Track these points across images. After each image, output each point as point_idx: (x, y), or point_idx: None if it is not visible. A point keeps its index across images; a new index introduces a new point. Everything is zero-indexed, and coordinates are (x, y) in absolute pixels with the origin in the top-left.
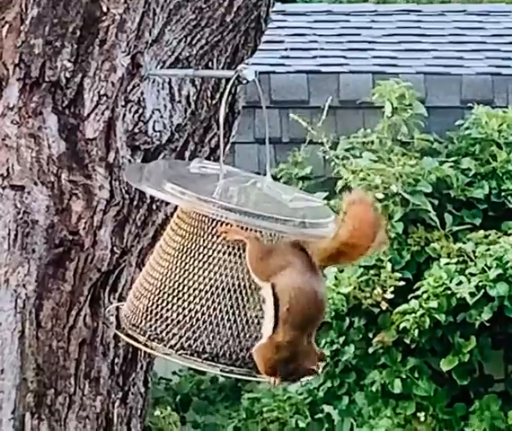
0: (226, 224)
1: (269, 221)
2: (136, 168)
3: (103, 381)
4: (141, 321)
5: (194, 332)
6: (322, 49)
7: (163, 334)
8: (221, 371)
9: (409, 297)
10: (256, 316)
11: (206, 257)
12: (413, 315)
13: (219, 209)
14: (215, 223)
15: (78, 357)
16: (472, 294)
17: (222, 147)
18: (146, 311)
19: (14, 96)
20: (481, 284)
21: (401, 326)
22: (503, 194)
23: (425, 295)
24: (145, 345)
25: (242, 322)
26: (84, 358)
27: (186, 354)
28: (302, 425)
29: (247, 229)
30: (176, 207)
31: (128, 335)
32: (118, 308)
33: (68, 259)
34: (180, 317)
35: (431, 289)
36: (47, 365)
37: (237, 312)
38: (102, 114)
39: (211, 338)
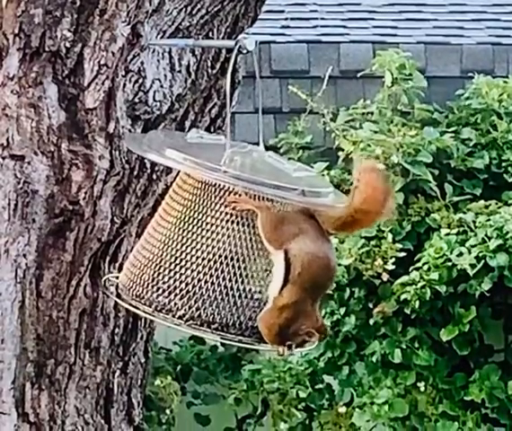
0: (235, 194)
1: (282, 190)
2: (135, 137)
3: (103, 351)
4: (146, 292)
5: (204, 302)
6: (322, 19)
7: (172, 305)
8: (230, 340)
9: (410, 269)
10: (263, 285)
11: (210, 226)
12: (414, 287)
13: (231, 178)
14: (221, 192)
15: (78, 327)
16: (472, 266)
17: (228, 116)
18: (152, 281)
19: (14, 66)
20: (481, 254)
21: (402, 297)
22: (503, 164)
23: (425, 267)
24: (152, 315)
25: (250, 292)
26: (85, 328)
27: (196, 324)
28: (302, 395)
29: (255, 198)
30: (176, 177)
31: (131, 305)
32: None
33: (68, 229)
34: (190, 287)
35: (432, 260)
36: (47, 335)
37: (246, 281)
38: (102, 84)
39: (221, 308)
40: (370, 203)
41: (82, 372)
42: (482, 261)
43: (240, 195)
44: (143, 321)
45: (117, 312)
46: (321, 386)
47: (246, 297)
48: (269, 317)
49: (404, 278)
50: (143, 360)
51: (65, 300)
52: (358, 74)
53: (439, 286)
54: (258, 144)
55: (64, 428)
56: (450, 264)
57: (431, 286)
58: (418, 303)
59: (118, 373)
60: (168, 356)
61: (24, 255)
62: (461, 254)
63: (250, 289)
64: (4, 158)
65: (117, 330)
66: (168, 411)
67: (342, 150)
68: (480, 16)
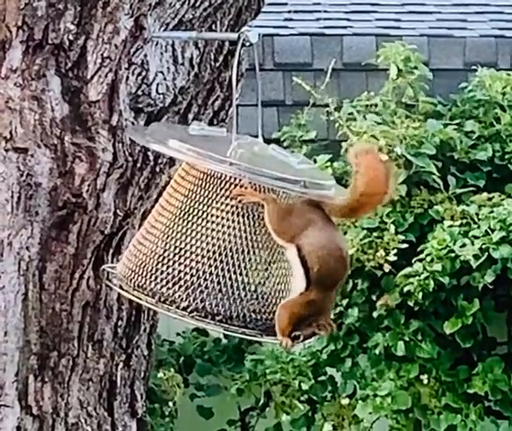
0: (240, 186)
1: (287, 182)
2: (137, 129)
3: (106, 343)
4: (149, 283)
5: (208, 294)
6: (325, 12)
7: (176, 296)
8: (233, 332)
9: (413, 260)
10: (267, 278)
11: (214, 217)
12: (417, 278)
13: (238, 170)
14: (226, 183)
15: (81, 320)
16: (475, 257)
17: (234, 109)
18: (155, 271)
19: (17, 58)
20: (484, 246)
21: (406, 289)
22: (507, 156)
23: (428, 258)
24: (156, 306)
25: (254, 284)
26: (88, 321)
27: (200, 316)
28: (305, 387)
29: (261, 190)
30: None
31: (133, 295)
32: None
33: (71, 222)
34: (194, 278)
35: (435, 252)
36: (50, 328)
37: (250, 273)
38: (106, 76)
39: (225, 300)
40: (373, 185)
41: (85, 364)
42: (486, 253)
43: (246, 187)
44: (146, 313)
45: (120, 305)
46: (323, 378)
47: (250, 290)
48: (292, 306)
49: (407, 270)
50: (146, 352)
51: (68, 292)
52: (363, 63)
53: (443, 278)
54: (257, 137)
55: (67, 421)
56: (453, 255)
57: (434, 278)
58: (421, 294)
59: (121, 365)
60: (171, 348)
61: (27, 248)
62: (464, 245)
63: (253, 281)
64: (7, 151)
65: (120, 323)
66: (171, 404)
67: (346, 141)
68: (483, 9)
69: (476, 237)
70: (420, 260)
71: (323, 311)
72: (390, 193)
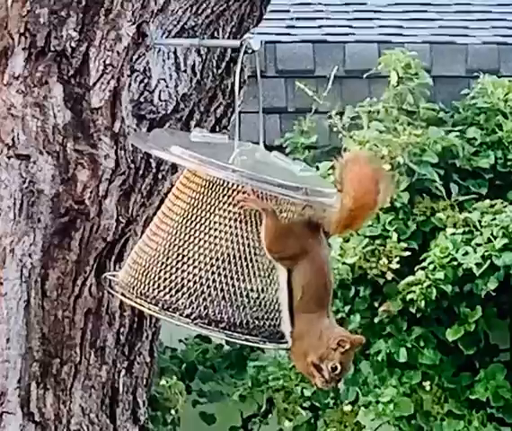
0: (243, 193)
1: (287, 189)
2: (139, 136)
3: (109, 350)
4: (152, 290)
5: (211, 301)
6: (327, 19)
7: (179, 303)
8: (236, 339)
9: (415, 269)
10: (270, 285)
11: (216, 224)
12: (420, 286)
13: (240, 176)
14: (228, 190)
15: (84, 327)
16: (478, 265)
17: (236, 116)
18: (158, 279)
19: (20, 65)
20: (486, 253)
21: (408, 297)
22: (509, 163)
23: (431, 266)
24: (159, 314)
25: (257, 291)
26: (90, 328)
27: (204, 323)
28: (307, 393)
29: (263, 199)
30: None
31: (136, 303)
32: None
33: (74, 229)
34: (197, 286)
35: (437, 260)
36: (52, 335)
37: (253, 280)
38: (108, 83)
39: (228, 308)
40: (361, 198)
41: (87, 371)
42: (488, 261)
43: (248, 194)
44: (148, 320)
45: (122, 312)
46: None
47: (253, 297)
48: (296, 355)
49: (410, 278)
50: (148, 360)
51: (70, 299)
52: (364, 75)
53: (445, 286)
54: (258, 143)
55: (69, 428)
56: (456, 263)
57: (437, 286)
58: (424, 302)
59: (123, 372)
60: (173, 355)
61: (30, 254)
62: (466, 253)
63: (256, 288)
64: (9, 157)
65: (122, 330)
66: (173, 411)
67: (348, 148)
68: (485, 16)
69: (479, 244)
70: (423, 269)
71: (327, 330)
72: (381, 200)
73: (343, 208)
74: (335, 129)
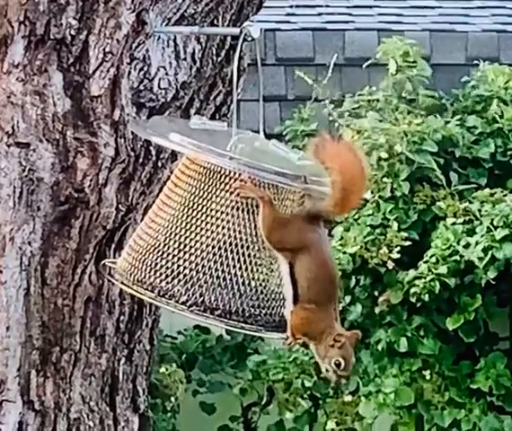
0: (240, 181)
1: (285, 177)
2: (138, 123)
3: (109, 338)
4: (149, 277)
5: (207, 289)
6: (327, 6)
7: (175, 290)
8: (232, 327)
9: (416, 258)
10: (267, 273)
11: (214, 212)
12: (423, 280)
13: (237, 164)
14: (226, 178)
15: (83, 315)
16: (480, 259)
17: (235, 104)
18: (155, 266)
19: (19, 54)
20: (487, 244)
21: (412, 291)
22: (509, 152)
23: (433, 259)
24: (155, 300)
25: (254, 279)
26: (90, 316)
27: (199, 310)
28: (308, 384)
29: (260, 187)
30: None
31: (133, 289)
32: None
33: (73, 217)
34: (193, 273)
35: (439, 252)
36: (52, 323)
37: (249, 268)
38: (108, 71)
39: (224, 295)
40: (347, 171)
41: (87, 359)
42: (489, 252)
43: (245, 182)
44: (148, 308)
45: (122, 300)
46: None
47: (249, 285)
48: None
49: (412, 273)
50: (148, 348)
51: (70, 287)
52: (364, 65)
53: (448, 279)
54: (259, 132)
55: (69, 416)
56: (458, 257)
57: (440, 279)
58: (427, 296)
59: (123, 360)
60: (173, 345)
61: (29, 243)
62: (468, 245)
63: (253, 277)
64: (9, 146)
65: (122, 318)
66: (173, 399)
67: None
68: (485, 3)
69: (480, 235)
70: (425, 262)
71: (329, 323)
72: (367, 167)
73: (334, 185)
74: (331, 118)
